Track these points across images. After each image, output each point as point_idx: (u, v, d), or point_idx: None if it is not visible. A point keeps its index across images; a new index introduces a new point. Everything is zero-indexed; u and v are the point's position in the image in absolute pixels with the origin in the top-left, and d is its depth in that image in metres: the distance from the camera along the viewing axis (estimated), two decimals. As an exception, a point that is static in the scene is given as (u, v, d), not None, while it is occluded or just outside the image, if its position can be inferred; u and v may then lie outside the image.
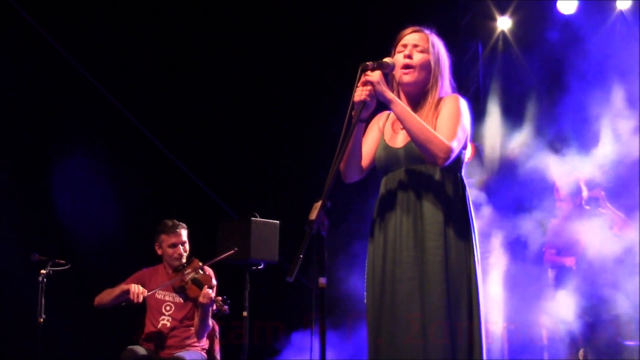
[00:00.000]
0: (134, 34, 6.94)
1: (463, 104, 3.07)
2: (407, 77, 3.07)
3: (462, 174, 3.09)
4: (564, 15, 7.25)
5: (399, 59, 3.09)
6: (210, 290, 4.69)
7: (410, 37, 3.10)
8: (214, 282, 4.84)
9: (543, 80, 7.32)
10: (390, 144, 3.11)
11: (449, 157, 2.93)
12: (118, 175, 6.80)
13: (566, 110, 6.77)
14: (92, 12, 6.77)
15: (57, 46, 6.53)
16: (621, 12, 7.20)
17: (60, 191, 6.55)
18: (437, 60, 3.09)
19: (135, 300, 4.69)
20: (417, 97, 3.11)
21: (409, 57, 3.07)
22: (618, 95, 6.50)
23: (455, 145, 2.95)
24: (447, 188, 3.01)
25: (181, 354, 4.72)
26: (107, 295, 4.83)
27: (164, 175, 7.10)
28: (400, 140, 3.09)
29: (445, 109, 3.03)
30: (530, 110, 7.30)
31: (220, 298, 4.75)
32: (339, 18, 7.32)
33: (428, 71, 3.08)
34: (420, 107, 3.09)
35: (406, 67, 3.07)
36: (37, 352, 4.99)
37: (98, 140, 6.82)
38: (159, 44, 7.06)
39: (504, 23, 7.74)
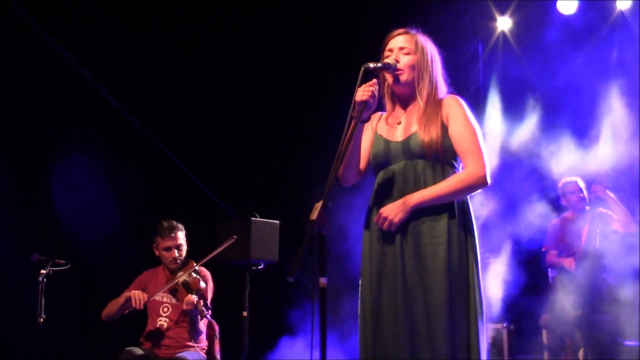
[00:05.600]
0: (134, 34, 6.94)
1: (467, 108, 3.11)
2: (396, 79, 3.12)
3: (460, 167, 3.10)
4: (564, 15, 7.25)
5: None
6: (194, 297, 4.66)
7: (396, 41, 3.16)
8: (203, 284, 4.79)
9: (543, 80, 7.31)
10: (389, 138, 3.14)
11: (487, 177, 2.99)
12: (118, 175, 6.80)
13: (566, 109, 6.77)
14: (92, 12, 6.77)
15: (57, 46, 6.53)
16: (621, 12, 7.20)
17: (60, 191, 6.54)
18: (424, 58, 3.13)
19: (138, 307, 4.71)
20: (409, 97, 3.17)
21: (397, 61, 3.13)
22: (618, 95, 6.50)
23: (485, 160, 3.01)
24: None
25: (182, 354, 4.73)
26: (113, 306, 4.84)
27: (164, 175, 7.09)
28: (399, 134, 3.13)
29: (457, 122, 3.05)
30: (531, 109, 7.30)
31: (202, 302, 4.73)
32: (340, 18, 7.32)
33: (417, 71, 3.12)
34: (415, 105, 3.13)
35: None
36: (37, 352, 4.98)
37: (98, 140, 6.82)
38: (158, 43, 7.06)
39: (504, 23, 7.75)
